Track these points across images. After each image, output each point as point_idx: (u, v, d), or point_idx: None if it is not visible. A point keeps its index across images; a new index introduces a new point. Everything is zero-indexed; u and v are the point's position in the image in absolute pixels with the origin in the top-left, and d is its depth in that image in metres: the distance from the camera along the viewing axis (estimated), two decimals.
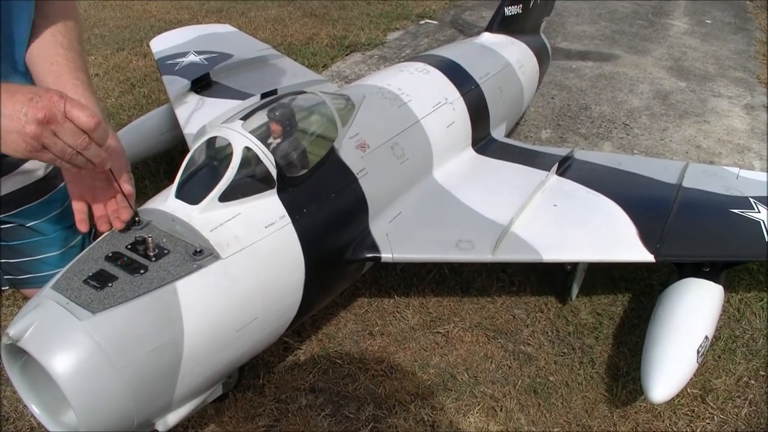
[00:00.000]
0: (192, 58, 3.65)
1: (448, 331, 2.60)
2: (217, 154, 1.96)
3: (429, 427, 2.20)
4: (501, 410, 2.27)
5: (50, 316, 1.48)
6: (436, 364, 2.46)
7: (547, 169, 2.78)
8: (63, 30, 1.73)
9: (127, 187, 1.65)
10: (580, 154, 3.05)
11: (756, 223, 2.45)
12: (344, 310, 2.69)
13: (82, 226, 1.69)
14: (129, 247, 1.67)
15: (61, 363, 1.42)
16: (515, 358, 2.50)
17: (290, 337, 2.49)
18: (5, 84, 1.33)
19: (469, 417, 2.24)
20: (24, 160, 1.91)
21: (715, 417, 2.28)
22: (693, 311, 2.21)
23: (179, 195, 1.80)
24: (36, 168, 1.98)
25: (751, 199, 2.60)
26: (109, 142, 1.49)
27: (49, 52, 1.69)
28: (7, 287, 2.34)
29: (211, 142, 1.95)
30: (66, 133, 1.36)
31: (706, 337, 2.12)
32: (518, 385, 2.38)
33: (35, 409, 1.52)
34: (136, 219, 1.73)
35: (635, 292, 2.85)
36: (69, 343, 1.44)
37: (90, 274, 1.58)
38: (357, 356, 2.47)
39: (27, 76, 1.73)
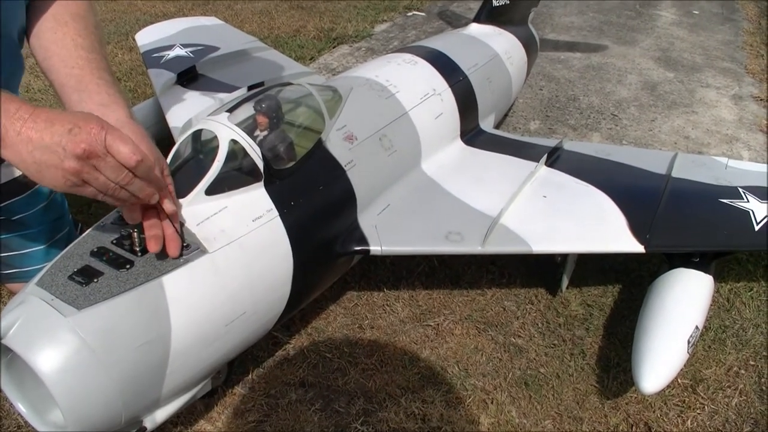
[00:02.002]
0: (178, 51, 3.61)
1: (438, 324, 2.59)
2: (203, 147, 1.93)
3: (420, 421, 2.19)
4: (492, 403, 2.27)
5: (35, 313, 1.45)
6: (426, 357, 2.45)
7: (537, 160, 2.77)
8: (83, 33, 1.69)
9: (170, 206, 1.55)
10: (569, 145, 3.04)
11: (745, 213, 2.45)
12: (333, 303, 2.68)
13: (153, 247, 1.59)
14: (114, 242, 1.64)
15: (47, 360, 1.39)
16: (506, 351, 2.49)
17: (279, 332, 2.48)
18: (46, 112, 1.27)
19: (459, 410, 2.24)
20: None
21: (706, 407, 2.29)
22: (683, 302, 2.21)
23: None
24: None
25: (740, 189, 2.60)
26: (156, 173, 1.42)
27: (70, 56, 1.63)
28: None
29: (197, 135, 1.93)
30: (107, 168, 1.29)
31: (697, 328, 2.12)
32: (509, 377, 2.38)
33: (21, 407, 1.49)
34: (122, 214, 1.71)
35: (625, 283, 2.85)
36: (54, 340, 1.42)
37: (75, 269, 1.55)
38: (347, 350, 2.45)
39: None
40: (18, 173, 1.93)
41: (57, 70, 1.61)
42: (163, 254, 1.62)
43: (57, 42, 1.63)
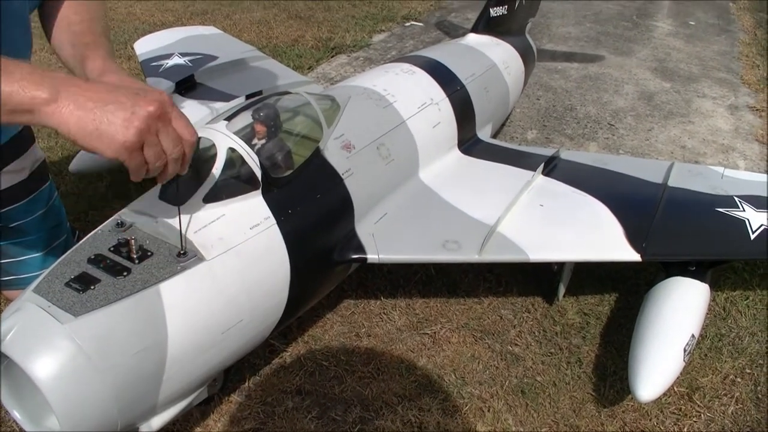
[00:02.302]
0: (176, 59, 3.62)
1: (435, 332, 2.59)
2: (201, 155, 1.94)
3: (416, 429, 2.19)
4: (488, 411, 2.27)
5: (32, 320, 1.45)
6: (423, 365, 2.45)
7: (534, 169, 2.78)
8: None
9: None
10: (566, 155, 3.05)
11: (741, 222, 2.46)
12: (330, 312, 2.68)
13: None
14: (112, 249, 1.64)
15: (43, 367, 1.39)
16: (502, 359, 2.49)
17: (276, 340, 2.48)
18: (104, 80, 1.28)
19: (456, 418, 2.24)
20: (14, 159, 1.88)
21: (702, 415, 2.29)
22: (679, 310, 2.22)
23: (163, 196, 1.77)
24: (22, 168, 1.95)
25: (737, 198, 2.61)
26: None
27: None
28: None
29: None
30: (167, 137, 1.30)
31: (693, 336, 2.13)
32: (505, 385, 2.38)
33: (17, 414, 1.49)
34: (119, 221, 1.71)
35: (622, 292, 2.85)
36: (51, 347, 1.42)
37: (72, 276, 1.56)
38: (344, 358, 2.45)
39: None
40: (20, 179, 1.93)
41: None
42: (160, 262, 1.63)
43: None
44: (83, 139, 1.22)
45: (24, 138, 1.93)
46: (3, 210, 1.90)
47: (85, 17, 1.66)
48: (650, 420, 2.26)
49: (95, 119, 1.22)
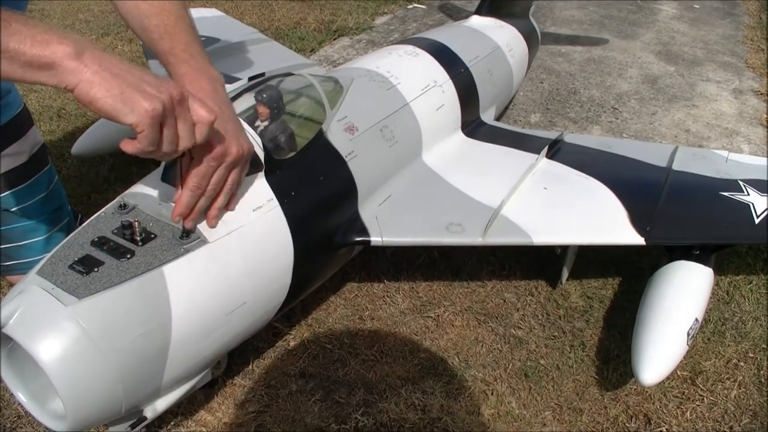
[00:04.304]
0: None
1: (438, 316, 2.59)
2: None
3: (420, 411, 2.19)
4: (492, 394, 2.27)
5: (35, 302, 1.45)
6: (426, 348, 2.45)
7: (537, 152, 2.77)
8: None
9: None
10: (570, 138, 3.04)
11: (745, 206, 2.45)
12: (334, 294, 2.68)
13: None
14: (115, 231, 1.64)
15: (47, 349, 1.39)
16: (506, 342, 2.49)
17: (280, 322, 2.48)
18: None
19: (460, 401, 2.24)
20: (12, 142, 1.87)
21: (705, 399, 2.29)
22: (683, 294, 2.21)
23: (165, 178, 1.76)
24: (21, 151, 1.95)
25: (741, 182, 2.60)
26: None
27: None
28: None
29: None
30: (185, 123, 1.32)
31: (696, 320, 2.13)
32: (509, 368, 2.38)
33: (21, 396, 1.49)
34: (122, 203, 1.71)
35: (625, 275, 2.85)
36: (55, 329, 1.41)
37: (76, 259, 1.55)
38: (347, 341, 2.46)
39: None
40: (19, 163, 1.92)
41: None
42: (163, 244, 1.62)
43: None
44: (104, 101, 1.20)
45: (22, 120, 1.93)
46: (3, 194, 1.89)
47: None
48: (653, 403, 2.27)
49: (122, 83, 1.20)
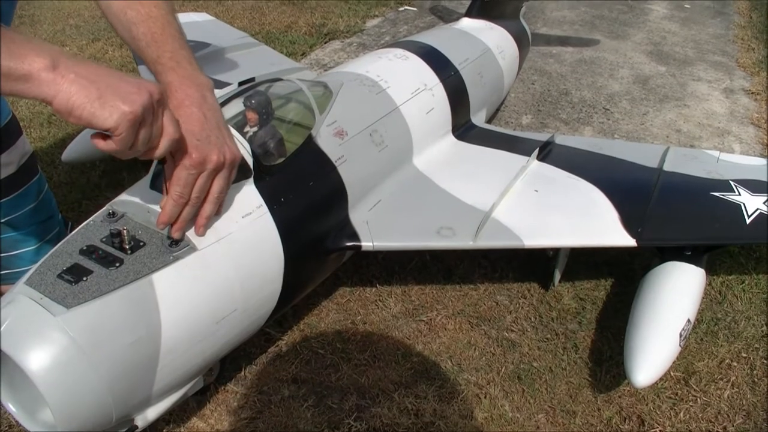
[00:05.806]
0: None
1: (430, 319, 2.59)
2: None
3: (413, 416, 2.19)
4: (485, 397, 2.27)
5: (24, 312, 1.44)
6: (419, 352, 2.44)
7: (528, 154, 2.77)
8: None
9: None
10: (561, 139, 3.04)
11: (737, 206, 2.45)
12: (326, 299, 2.67)
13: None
14: (104, 239, 1.63)
15: (36, 360, 1.38)
16: (498, 345, 2.49)
17: (271, 328, 2.47)
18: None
19: (453, 405, 2.23)
20: (1, 152, 1.86)
21: (698, 399, 2.29)
22: (675, 295, 2.22)
23: (154, 186, 1.76)
24: (9, 162, 1.94)
25: (732, 182, 2.60)
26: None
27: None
28: None
29: None
30: (156, 127, 1.33)
31: (689, 321, 2.13)
32: (502, 371, 2.37)
33: (11, 407, 1.48)
34: (111, 211, 1.70)
35: (617, 277, 2.85)
36: (43, 339, 1.41)
37: (64, 268, 1.54)
38: (339, 346, 2.45)
39: None
40: (7, 174, 1.91)
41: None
42: (152, 252, 1.61)
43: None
44: (82, 108, 1.20)
45: (11, 130, 1.92)
46: None
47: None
48: (647, 404, 2.27)
49: (99, 88, 1.21)
